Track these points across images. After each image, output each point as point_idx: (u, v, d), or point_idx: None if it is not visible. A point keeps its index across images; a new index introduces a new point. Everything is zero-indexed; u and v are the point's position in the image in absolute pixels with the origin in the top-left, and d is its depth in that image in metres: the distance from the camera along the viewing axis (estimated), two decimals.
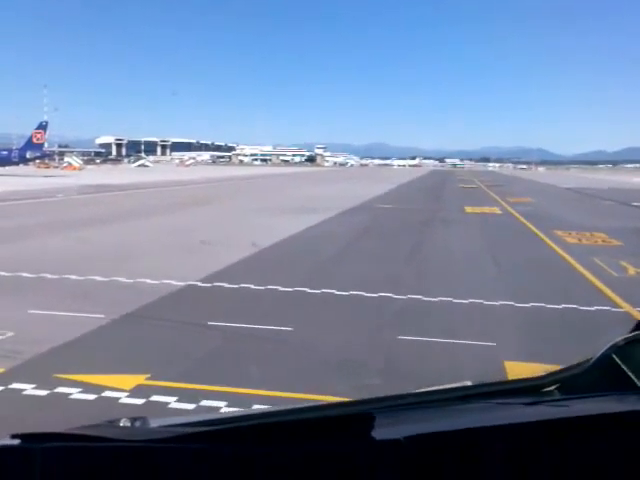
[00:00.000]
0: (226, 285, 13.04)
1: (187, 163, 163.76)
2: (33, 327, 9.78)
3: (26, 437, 1.41)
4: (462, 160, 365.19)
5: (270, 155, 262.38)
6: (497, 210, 35.63)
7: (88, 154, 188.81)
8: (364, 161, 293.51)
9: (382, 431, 1.49)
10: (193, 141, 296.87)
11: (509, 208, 36.73)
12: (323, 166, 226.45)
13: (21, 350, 8.52)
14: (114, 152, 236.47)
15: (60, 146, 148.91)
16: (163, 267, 15.22)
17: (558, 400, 2.01)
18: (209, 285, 13.09)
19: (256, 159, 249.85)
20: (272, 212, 30.77)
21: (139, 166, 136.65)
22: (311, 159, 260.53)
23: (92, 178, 67.58)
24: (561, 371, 2.17)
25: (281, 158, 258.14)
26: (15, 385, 7.16)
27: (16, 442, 1.40)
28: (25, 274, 13.65)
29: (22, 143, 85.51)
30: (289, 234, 21.89)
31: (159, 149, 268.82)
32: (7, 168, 77.96)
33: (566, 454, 1.62)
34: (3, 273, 13.68)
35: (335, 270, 15.58)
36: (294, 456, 1.44)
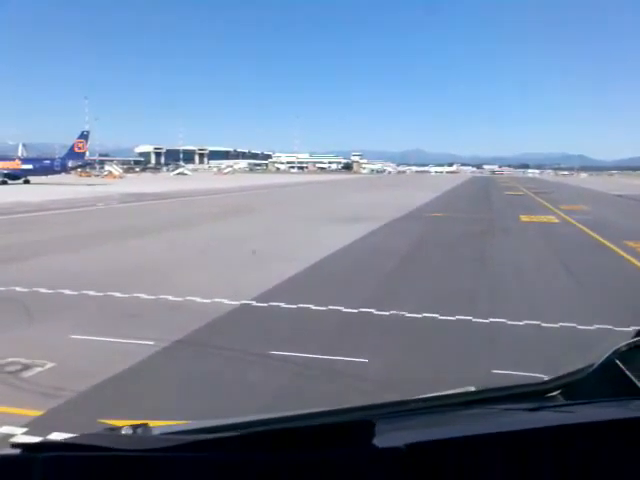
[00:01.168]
0: (283, 305, 11.79)
1: (225, 171, 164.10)
2: (76, 356, 8.67)
3: (27, 447, 1.39)
4: (500, 167, 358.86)
5: (306, 162, 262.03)
6: (554, 219, 33.69)
7: (127, 163, 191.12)
8: (401, 168, 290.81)
9: (383, 438, 1.46)
10: (230, 149, 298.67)
11: (566, 217, 34.73)
12: (360, 173, 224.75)
13: (62, 386, 7.41)
14: (153, 161, 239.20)
15: (100, 155, 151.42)
16: (213, 283, 14.10)
17: (562, 406, 2.02)
18: (265, 305, 11.85)
19: (293, 167, 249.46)
20: (319, 221, 29.54)
21: (178, 174, 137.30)
22: (347, 166, 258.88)
23: (132, 186, 67.53)
24: (564, 376, 2.18)
25: (317, 165, 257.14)
26: (55, 435, 5.99)
27: (17, 452, 1.38)
28: (67, 291, 12.64)
29: (64, 152, 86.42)
30: (342, 245, 20.59)
31: (197, 157, 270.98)
32: (50, 177, 78.77)
33: (571, 461, 1.61)
34: (44, 290, 12.70)
35: (400, 287, 14.19)
36: (296, 463, 1.41)
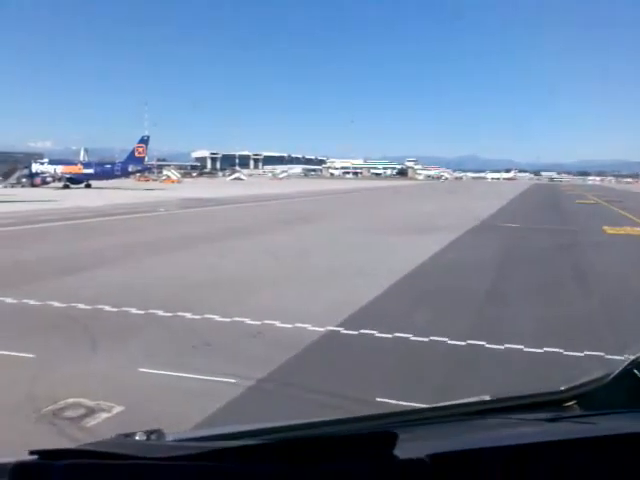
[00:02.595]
0: (377, 334, 10.16)
1: (280, 176, 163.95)
2: (147, 397, 7.27)
3: (44, 453, 1.39)
4: (559, 173, 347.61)
5: (360, 168, 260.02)
6: None
7: (184, 167, 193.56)
8: (458, 174, 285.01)
9: (404, 448, 1.44)
10: (284, 155, 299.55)
11: None
12: (416, 179, 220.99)
13: None
14: (209, 165, 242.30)
15: (158, 160, 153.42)
16: (291, 303, 12.62)
17: (580, 416, 2.00)
18: (355, 333, 10.26)
19: (347, 172, 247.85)
20: (390, 231, 27.80)
21: (234, 179, 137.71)
22: (402, 172, 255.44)
23: (191, 191, 67.36)
24: (580, 386, 2.16)
25: (372, 171, 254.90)
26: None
27: (35, 458, 1.39)
28: (133, 310, 11.39)
29: (124, 156, 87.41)
30: (422, 258, 18.84)
31: (252, 162, 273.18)
32: (110, 181, 79.70)
33: (592, 474, 1.61)
34: (108, 308, 11.48)
35: (505, 313, 12.31)
36: (317, 474, 1.40)
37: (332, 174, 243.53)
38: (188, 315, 11.14)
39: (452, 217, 36.96)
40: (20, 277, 14.78)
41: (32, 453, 1.40)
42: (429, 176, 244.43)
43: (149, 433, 1.67)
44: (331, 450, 1.44)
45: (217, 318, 10.99)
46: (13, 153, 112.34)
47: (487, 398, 2.17)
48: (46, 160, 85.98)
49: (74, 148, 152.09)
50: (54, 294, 12.58)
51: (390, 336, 10.06)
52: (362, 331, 10.33)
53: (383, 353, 9.43)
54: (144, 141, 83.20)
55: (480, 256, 20.21)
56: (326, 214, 38.91)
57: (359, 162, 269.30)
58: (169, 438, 1.70)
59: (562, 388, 2.18)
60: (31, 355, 8.63)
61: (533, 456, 1.62)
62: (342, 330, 10.44)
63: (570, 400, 2.12)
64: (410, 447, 1.52)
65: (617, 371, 2.11)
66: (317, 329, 10.42)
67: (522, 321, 11.51)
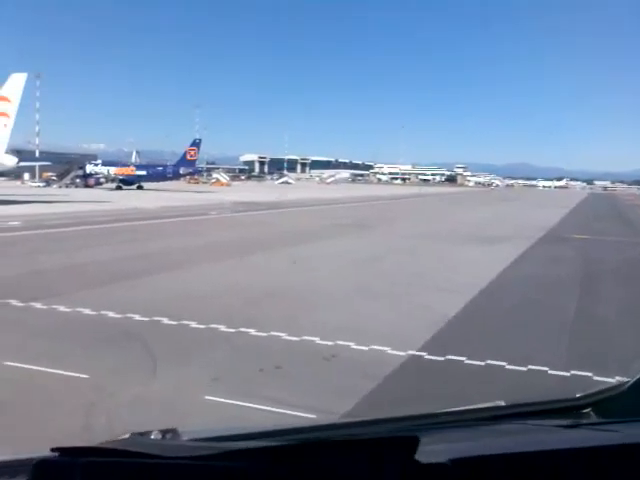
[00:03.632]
0: (466, 361, 8.92)
1: (328, 181, 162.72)
2: None
3: (65, 451, 1.41)
4: (613, 182, 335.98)
5: (409, 174, 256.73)
6: None
7: (233, 171, 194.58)
8: (509, 182, 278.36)
9: (423, 452, 1.44)
10: (332, 159, 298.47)
11: None
12: (466, 186, 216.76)
13: None
14: (257, 169, 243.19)
15: (208, 163, 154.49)
16: (364, 320, 11.51)
17: (598, 424, 1.99)
18: (441, 359, 9.05)
19: (395, 178, 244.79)
20: (453, 240, 26.40)
21: (282, 183, 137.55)
22: (451, 179, 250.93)
23: (241, 195, 66.97)
24: (597, 393, 2.15)
25: (420, 177, 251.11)
26: None
27: (56, 455, 1.41)
28: (193, 324, 10.45)
29: (173, 159, 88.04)
30: (495, 273, 17.41)
31: (299, 167, 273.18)
32: (161, 183, 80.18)
33: None
34: (167, 321, 10.57)
35: (613, 342, 10.85)
36: (335, 477, 1.40)
37: (379, 179, 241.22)
38: (252, 331, 10.14)
39: (515, 226, 35.23)
40: (75, 282, 14.11)
41: (53, 450, 1.42)
42: (479, 183, 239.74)
43: (164, 432, 1.68)
44: (351, 453, 1.42)
45: (284, 336, 9.94)
46: (68, 154, 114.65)
47: (502, 403, 2.20)
48: (99, 161, 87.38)
49: (126, 150, 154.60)
50: (109, 302, 11.80)
51: (482, 364, 8.82)
52: (449, 357, 9.12)
53: (476, 384, 8.20)
54: (196, 144, 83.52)
55: (559, 272, 18.62)
56: (382, 220, 37.68)
57: (407, 168, 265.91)
58: (184, 437, 1.71)
59: (578, 395, 2.17)
60: (85, 375, 7.74)
61: (553, 463, 1.62)
62: (426, 355, 9.25)
63: (586, 407, 2.11)
64: (429, 451, 1.50)
65: (634, 379, 2.09)
66: (397, 353, 9.26)
67: (627, 346, 10.07)
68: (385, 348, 9.44)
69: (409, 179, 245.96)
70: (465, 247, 24.02)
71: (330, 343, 9.62)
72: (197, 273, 16.26)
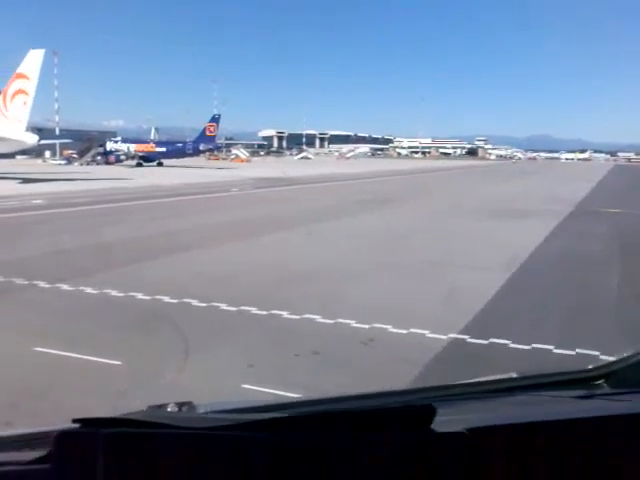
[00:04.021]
0: (511, 345, 8.49)
1: (347, 156, 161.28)
2: None
3: (86, 422, 1.43)
4: (638, 154, 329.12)
5: (429, 148, 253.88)
6: None
7: (251, 146, 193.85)
8: (531, 154, 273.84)
9: (438, 422, 1.45)
10: (351, 134, 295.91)
11: None
12: (487, 159, 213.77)
13: None
14: (275, 144, 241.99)
15: (227, 139, 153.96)
16: (400, 301, 11.13)
17: (611, 394, 2.00)
18: (485, 343, 8.63)
19: (415, 151, 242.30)
20: (480, 216, 25.73)
21: (302, 158, 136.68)
22: (472, 152, 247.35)
23: (261, 170, 66.54)
24: (610, 364, 2.16)
25: (440, 151, 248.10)
26: None
27: (77, 426, 1.43)
28: (223, 306, 10.13)
29: (193, 135, 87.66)
30: (529, 250, 16.83)
31: (317, 142, 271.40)
32: (181, 160, 79.96)
33: (628, 450, 1.61)
34: (196, 303, 10.26)
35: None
36: (355, 444, 1.41)
37: (399, 154, 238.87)
38: (285, 314, 9.79)
39: (543, 200, 34.43)
40: (101, 262, 13.87)
41: (75, 421, 1.44)
42: (501, 156, 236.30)
43: (180, 405, 1.70)
44: (367, 422, 1.44)
45: (318, 319, 9.58)
46: (89, 131, 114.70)
47: (514, 375, 2.21)
48: (119, 138, 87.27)
49: (145, 127, 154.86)
50: (137, 283, 11.54)
51: (528, 347, 8.39)
52: (492, 340, 8.69)
53: (524, 370, 7.77)
54: (215, 120, 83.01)
55: (595, 247, 17.98)
56: (405, 195, 37.08)
57: (427, 141, 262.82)
58: (199, 410, 1.73)
59: (590, 367, 2.19)
60: (117, 362, 7.46)
61: (567, 433, 1.64)
62: (468, 339, 8.83)
63: (599, 379, 2.11)
64: (444, 421, 1.51)
65: None
66: (438, 337, 8.85)
67: None
68: (424, 331, 9.04)
69: (429, 153, 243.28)
70: (495, 222, 23.42)
71: (366, 326, 9.24)
72: (223, 252, 15.96)
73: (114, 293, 10.82)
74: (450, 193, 42.17)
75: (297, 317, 9.65)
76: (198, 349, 8.08)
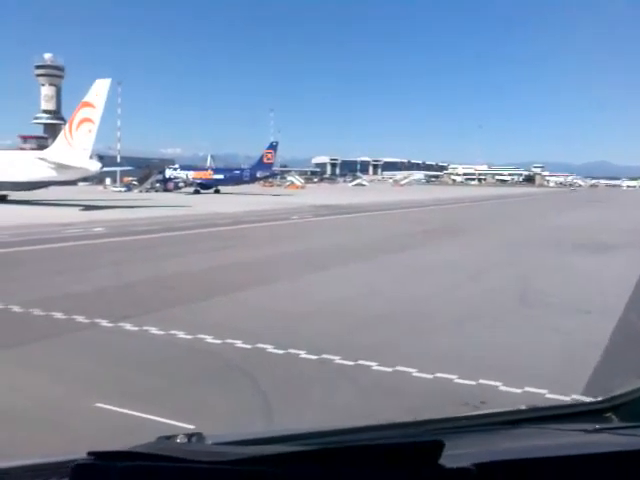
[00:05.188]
0: None
1: (402, 183, 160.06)
2: None
3: (101, 455, 1.45)
4: None
5: (484, 174, 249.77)
6: None
7: (304, 173, 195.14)
8: (592, 181, 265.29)
9: (446, 456, 1.44)
10: (404, 160, 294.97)
11: None
12: (545, 186, 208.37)
13: None
14: (328, 171, 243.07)
15: (280, 166, 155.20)
16: (503, 350, 9.77)
17: (620, 428, 1.96)
18: None
19: (471, 178, 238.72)
20: (558, 248, 23.94)
21: (356, 185, 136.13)
22: (529, 179, 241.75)
23: (317, 197, 65.87)
24: (617, 397, 2.14)
25: (497, 178, 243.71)
26: None
27: (92, 459, 1.45)
28: (302, 353, 8.96)
29: (247, 162, 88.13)
30: (628, 287, 15.10)
31: (371, 168, 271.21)
32: (237, 187, 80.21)
33: None
34: (273, 349, 9.12)
35: None
36: None
37: (454, 180, 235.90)
38: (374, 365, 8.54)
39: (620, 231, 32.20)
40: (166, 297, 13.02)
41: (90, 454, 1.46)
42: (560, 183, 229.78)
43: (190, 436, 1.71)
44: (377, 458, 1.44)
45: (414, 373, 8.28)
46: (148, 159, 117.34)
47: (523, 407, 2.21)
48: (177, 166, 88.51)
49: (201, 154, 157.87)
50: (206, 323, 10.58)
51: None
52: None
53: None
54: (273, 147, 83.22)
55: None
56: (473, 224, 35.42)
57: (483, 168, 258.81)
58: (208, 441, 1.73)
59: (599, 398, 2.18)
60: (191, 426, 6.34)
61: (577, 468, 1.60)
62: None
63: (607, 411, 2.07)
64: (452, 455, 1.49)
65: None
66: (560, 398, 7.42)
67: None
68: (542, 391, 7.63)
69: (484, 179, 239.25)
70: (576, 256, 21.58)
71: (472, 382, 7.90)
72: (295, 287, 14.88)
73: (181, 335, 9.81)
74: (520, 222, 40.19)
75: (389, 370, 8.38)
76: (282, 410, 6.92)
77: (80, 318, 10.77)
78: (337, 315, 11.81)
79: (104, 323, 10.54)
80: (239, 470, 1.38)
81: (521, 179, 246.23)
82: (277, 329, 10.47)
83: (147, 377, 7.98)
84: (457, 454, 1.56)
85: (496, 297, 14.11)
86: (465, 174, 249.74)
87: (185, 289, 14.00)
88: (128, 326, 10.34)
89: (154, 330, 10.08)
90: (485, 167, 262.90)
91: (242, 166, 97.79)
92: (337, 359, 8.75)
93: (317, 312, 12.09)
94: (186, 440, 1.68)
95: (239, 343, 9.40)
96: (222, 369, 8.45)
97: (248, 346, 9.28)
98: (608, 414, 2.08)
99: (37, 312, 11.21)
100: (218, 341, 9.50)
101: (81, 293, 13.30)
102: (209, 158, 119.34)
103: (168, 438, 1.69)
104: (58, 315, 10.99)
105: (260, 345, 9.31)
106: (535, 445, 1.84)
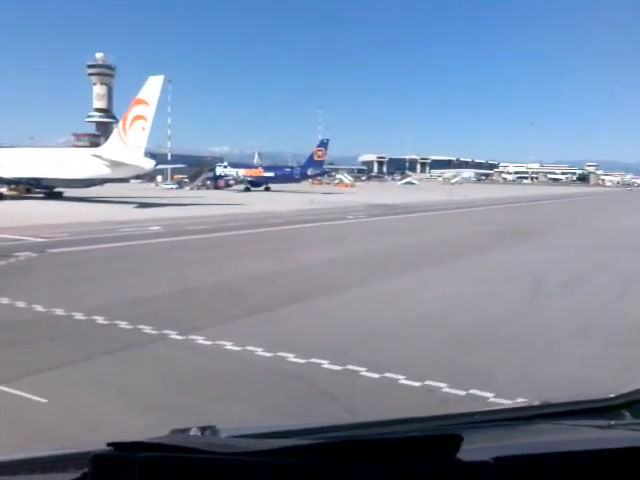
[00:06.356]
0: None
1: (452, 181, 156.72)
2: None
3: (119, 446, 1.44)
4: None
5: (536, 173, 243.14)
6: None
7: (351, 171, 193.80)
8: None
9: (464, 451, 1.44)
10: (453, 158, 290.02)
11: None
12: (601, 185, 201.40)
13: None
14: (375, 169, 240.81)
15: (327, 164, 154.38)
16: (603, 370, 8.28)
17: (634, 424, 1.98)
18: None
19: (523, 177, 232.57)
20: None
21: (405, 183, 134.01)
22: (583, 178, 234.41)
23: (368, 196, 64.50)
24: (631, 393, 2.16)
25: (549, 176, 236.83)
26: None
27: (111, 450, 1.44)
28: (401, 379, 7.77)
29: (294, 160, 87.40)
30: None
31: (418, 166, 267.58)
32: (287, 184, 79.51)
33: None
34: (367, 373, 7.96)
35: None
36: (383, 473, 1.40)
37: (505, 179, 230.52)
38: (490, 396, 7.27)
39: None
40: (235, 304, 12.11)
41: (110, 445, 1.45)
42: (618, 182, 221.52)
43: (203, 429, 1.71)
44: (394, 451, 1.43)
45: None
46: (198, 156, 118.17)
47: (537, 403, 2.25)
48: (226, 163, 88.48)
49: (249, 152, 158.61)
50: (283, 336, 9.63)
51: None
52: None
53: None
54: (324, 144, 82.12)
55: None
56: (542, 226, 33.42)
57: (534, 166, 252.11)
58: (222, 434, 1.72)
59: (612, 395, 2.15)
60: None
61: (592, 464, 1.60)
62: None
63: (621, 407, 2.07)
64: (469, 450, 1.49)
65: None
66: None
67: None
68: None
69: (536, 178, 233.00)
70: None
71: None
72: (376, 293, 13.71)
73: (260, 352, 8.75)
74: (590, 224, 38.00)
75: (509, 402, 7.09)
76: None
77: (147, 329, 9.85)
78: (424, 330, 10.59)
79: (173, 335, 9.59)
80: (254, 461, 1.38)
81: (574, 178, 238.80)
82: (367, 345, 9.32)
83: (228, 405, 6.92)
84: (473, 449, 1.55)
85: (592, 313, 12.58)
86: (516, 172, 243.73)
87: (255, 295, 12.99)
88: (200, 339, 9.36)
89: (229, 345, 9.06)
90: (536, 165, 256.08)
91: (289, 163, 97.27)
92: (444, 386, 7.52)
93: (409, 324, 10.89)
94: (200, 433, 1.69)
95: (326, 364, 8.28)
96: (311, 397, 7.34)
97: (337, 367, 8.15)
98: (622, 410, 2.07)
99: (101, 320, 10.37)
100: (302, 360, 8.41)
101: (145, 299, 12.44)
102: (256, 156, 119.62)
103: (182, 431, 1.72)
104: (123, 324, 10.11)
105: (351, 367, 8.17)
106: (550, 441, 1.83)
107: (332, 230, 28.98)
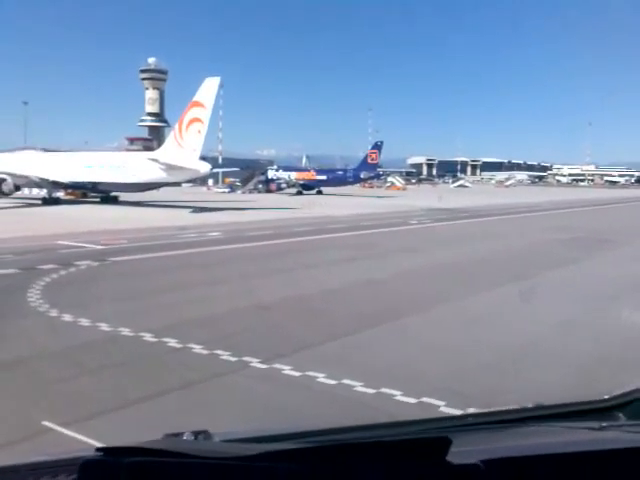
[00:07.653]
0: None
1: (506, 184, 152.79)
2: None
3: (109, 451, 1.44)
4: None
5: (592, 175, 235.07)
6: None
7: (400, 174, 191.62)
8: None
9: (454, 453, 1.42)
10: (504, 161, 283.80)
11: None
12: None
13: None
14: (424, 172, 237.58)
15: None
16: None
17: (627, 426, 1.94)
18: None
19: (580, 179, 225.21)
20: None
21: (458, 186, 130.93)
22: None
23: (424, 200, 62.42)
24: (623, 395, 2.13)
25: (605, 179, 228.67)
26: None
27: (101, 455, 1.43)
28: None
29: (342, 162, 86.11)
30: None
31: (469, 169, 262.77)
32: (338, 188, 78.17)
33: None
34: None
35: None
36: (372, 476, 1.39)
37: (559, 181, 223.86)
38: None
39: None
40: (319, 325, 10.92)
41: (98, 450, 1.44)
42: None
43: (196, 433, 1.69)
44: (384, 454, 1.41)
45: None
46: (248, 160, 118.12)
47: (529, 405, 2.19)
48: (276, 167, 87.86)
49: (296, 155, 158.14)
50: (383, 367, 8.42)
51: None
52: None
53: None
54: (377, 147, 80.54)
55: None
56: (617, 233, 31.12)
57: (590, 168, 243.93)
58: (215, 439, 1.72)
59: (606, 397, 2.13)
60: None
61: (584, 465, 1.58)
62: None
63: (614, 409, 2.05)
64: (459, 452, 1.48)
65: None
66: None
67: None
68: None
69: (592, 181, 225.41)
70: None
71: None
72: (469, 311, 12.28)
73: (360, 388, 7.48)
74: None
75: None
76: None
77: (225, 355, 8.71)
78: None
79: (255, 363, 8.42)
80: (246, 466, 1.36)
81: (632, 180, 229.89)
82: (486, 380, 7.91)
83: None
84: (464, 451, 1.54)
85: None
86: (571, 175, 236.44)
87: (337, 313, 11.74)
88: (287, 369, 8.16)
89: (322, 378, 7.83)
90: (592, 167, 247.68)
91: (337, 166, 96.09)
92: None
93: (525, 352, 9.45)
94: (193, 437, 1.67)
95: (443, 405, 6.94)
96: None
97: (456, 411, 6.79)
98: (615, 412, 2.06)
99: (172, 343, 9.27)
100: (412, 400, 7.09)
101: (218, 316, 11.34)
102: (304, 159, 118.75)
103: (175, 435, 1.69)
104: (197, 349, 9.00)
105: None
106: (542, 442, 1.80)
107: (397, 237, 27.49)
